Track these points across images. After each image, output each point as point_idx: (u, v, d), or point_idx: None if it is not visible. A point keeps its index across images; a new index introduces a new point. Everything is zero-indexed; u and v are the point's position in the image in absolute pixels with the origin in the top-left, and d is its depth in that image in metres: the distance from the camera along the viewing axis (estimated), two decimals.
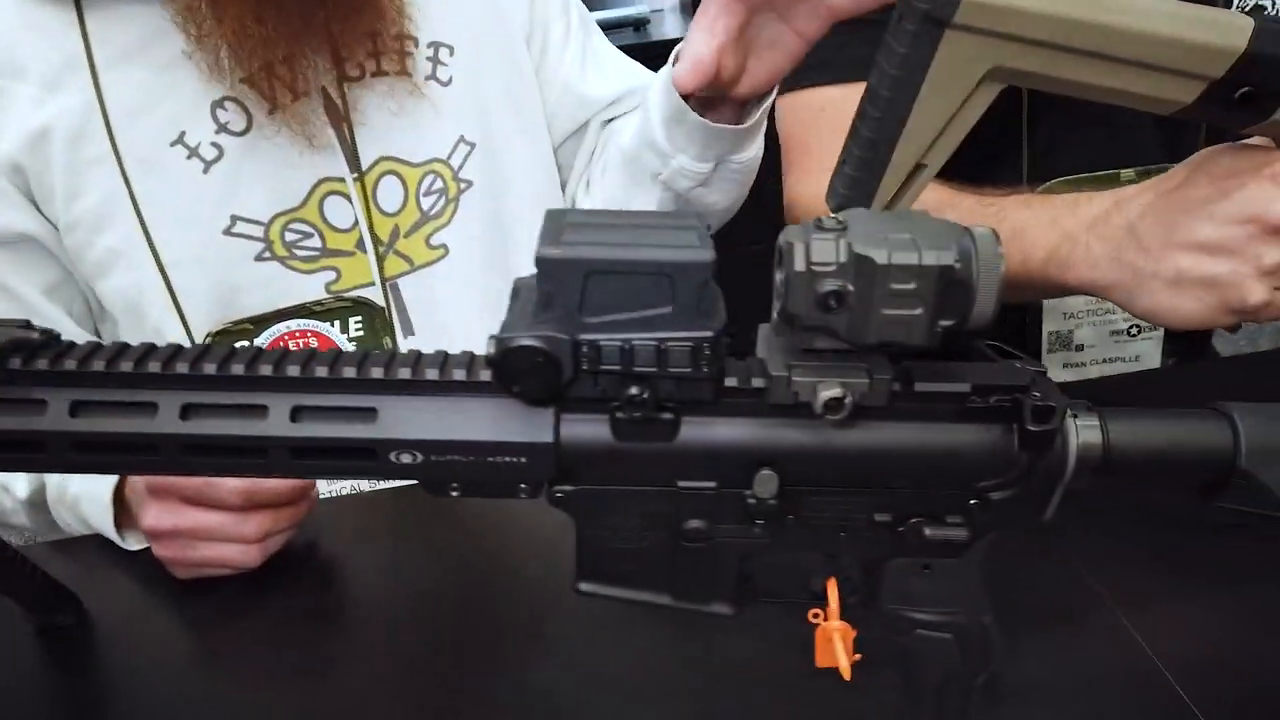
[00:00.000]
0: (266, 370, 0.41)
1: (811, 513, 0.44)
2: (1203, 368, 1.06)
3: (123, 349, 0.42)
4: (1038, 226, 0.76)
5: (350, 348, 0.87)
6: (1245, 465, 0.44)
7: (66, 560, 0.76)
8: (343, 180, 0.83)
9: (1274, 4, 0.92)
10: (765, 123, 0.82)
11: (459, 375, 0.41)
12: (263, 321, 0.84)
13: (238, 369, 0.41)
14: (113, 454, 0.42)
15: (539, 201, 0.94)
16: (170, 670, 0.68)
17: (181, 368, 0.41)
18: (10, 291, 0.79)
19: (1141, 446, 0.44)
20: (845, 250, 0.38)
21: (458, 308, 0.90)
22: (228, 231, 0.81)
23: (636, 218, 0.40)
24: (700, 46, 0.68)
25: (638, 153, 0.85)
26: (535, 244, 0.38)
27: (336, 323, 0.86)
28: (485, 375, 0.41)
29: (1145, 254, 0.68)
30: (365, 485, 0.88)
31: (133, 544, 0.75)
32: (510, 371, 0.39)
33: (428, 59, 0.86)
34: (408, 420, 0.41)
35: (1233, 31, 0.55)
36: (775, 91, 0.78)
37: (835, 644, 0.47)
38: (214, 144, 0.79)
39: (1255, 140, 0.67)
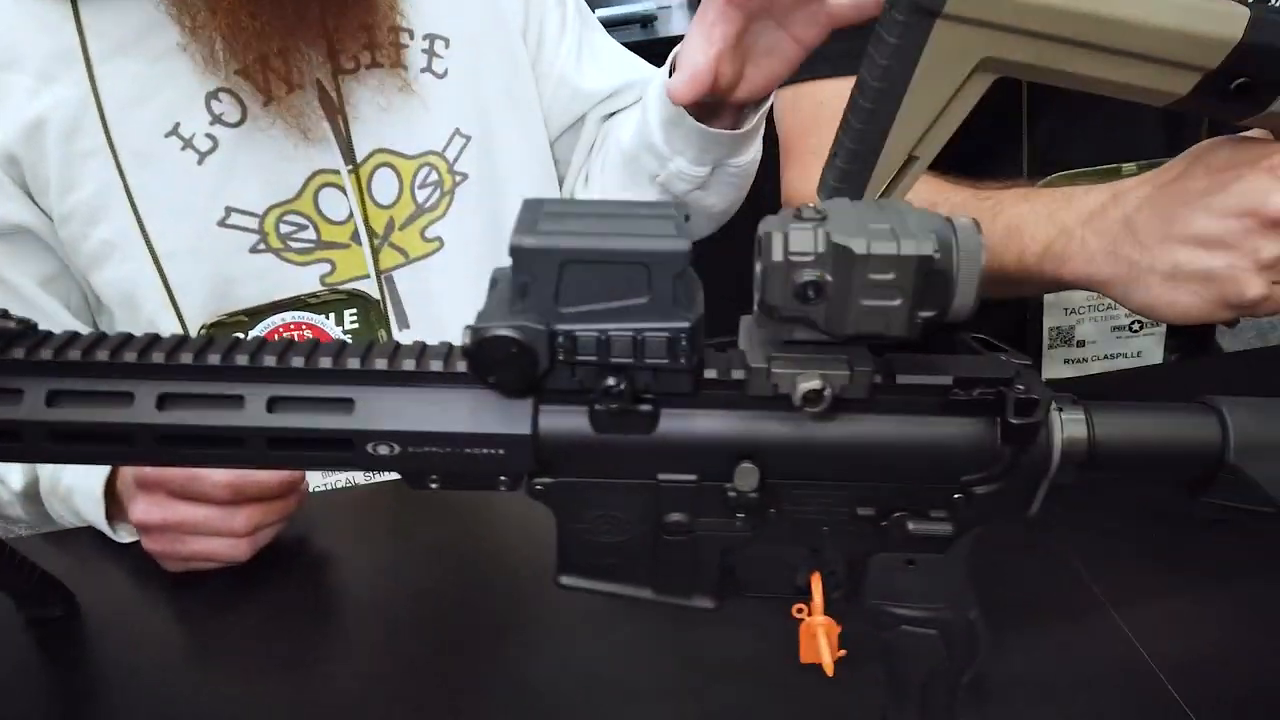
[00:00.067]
0: (243, 360, 0.41)
1: (793, 506, 0.44)
2: (1205, 364, 1.05)
3: (100, 338, 0.41)
4: (1034, 221, 0.75)
5: (346, 340, 0.86)
6: (1234, 460, 0.43)
7: (58, 553, 0.76)
8: (337, 172, 0.83)
9: None
10: (764, 126, 0.82)
11: (436, 366, 0.41)
12: (258, 313, 0.84)
13: (214, 359, 0.41)
14: (89, 444, 0.42)
15: (535, 195, 0.93)
16: (160, 663, 0.68)
17: (158, 357, 0.41)
18: (6, 283, 0.79)
19: (1128, 441, 0.43)
20: (823, 240, 0.37)
21: (453, 301, 0.89)
22: (222, 223, 0.81)
23: (614, 207, 0.40)
24: (697, 55, 0.68)
25: (636, 154, 0.85)
26: None
27: (332, 315, 0.86)
28: (463, 366, 0.41)
29: (1141, 248, 0.67)
30: (360, 478, 0.88)
31: (125, 536, 0.75)
32: (485, 362, 0.39)
33: (423, 51, 0.86)
34: (385, 411, 0.41)
35: (1228, 21, 0.54)
36: (773, 96, 0.78)
37: (819, 640, 0.46)
38: (209, 135, 0.79)
39: (1254, 133, 0.66)
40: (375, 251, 0.86)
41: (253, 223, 0.82)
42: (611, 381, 0.39)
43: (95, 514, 0.74)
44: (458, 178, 0.89)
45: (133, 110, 0.77)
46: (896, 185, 0.59)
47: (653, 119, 0.81)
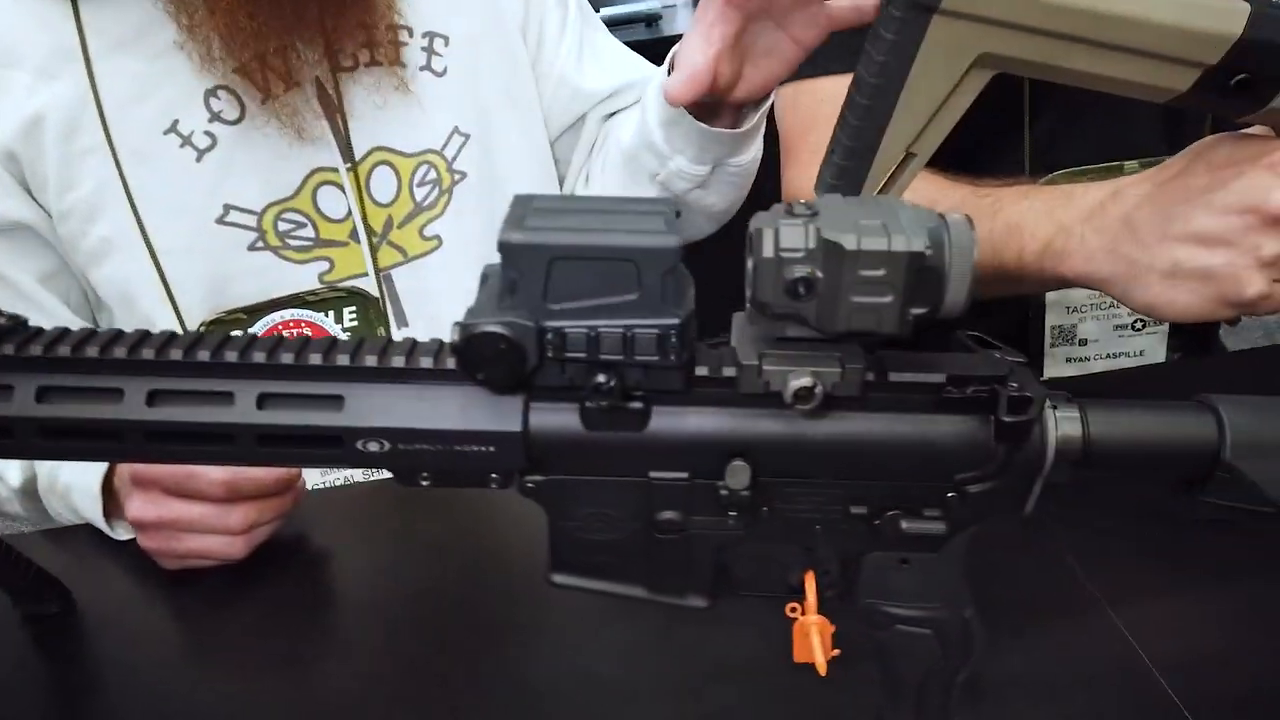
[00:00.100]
0: (233, 357, 0.41)
1: (786, 504, 0.44)
2: (1208, 363, 1.04)
3: (90, 335, 0.41)
4: (1034, 218, 0.75)
5: (345, 338, 0.86)
6: (1230, 459, 0.42)
7: (55, 549, 0.76)
8: (336, 170, 0.83)
9: None
10: (764, 125, 0.81)
11: (425, 363, 0.41)
12: (256, 311, 0.84)
13: (204, 355, 0.41)
14: (79, 440, 0.42)
15: None
16: (157, 660, 0.68)
17: (148, 354, 0.41)
18: (5, 280, 0.79)
19: (1123, 439, 0.43)
20: (814, 236, 0.37)
21: (451, 299, 0.89)
22: (220, 220, 0.81)
23: (605, 203, 0.40)
24: (696, 56, 0.68)
25: (636, 153, 0.85)
26: None
27: (331, 313, 0.86)
28: (452, 363, 0.41)
29: (1141, 246, 0.67)
30: (359, 476, 0.88)
31: (122, 534, 0.75)
32: (474, 358, 0.39)
33: (422, 49, 0.86)
34: (374, 408, 0.41)
35: (1228, 17, 0.54)
36: (773, 95, 0.78)
37: (812, 639, 0.46)
38: (207, 133, 0.79)
39: (1255, 130, 0.65)
40: (374, 250, 0.86)
41: (251, 220, 0.82)
42: (601, 378, 0.39)
43: (93, 511, 0.74)
44: (456, 176, 0.89)
45: (132, 107, 0.77)
46: (894, 182, 0.58)
47: (652, 118, 0.81)
